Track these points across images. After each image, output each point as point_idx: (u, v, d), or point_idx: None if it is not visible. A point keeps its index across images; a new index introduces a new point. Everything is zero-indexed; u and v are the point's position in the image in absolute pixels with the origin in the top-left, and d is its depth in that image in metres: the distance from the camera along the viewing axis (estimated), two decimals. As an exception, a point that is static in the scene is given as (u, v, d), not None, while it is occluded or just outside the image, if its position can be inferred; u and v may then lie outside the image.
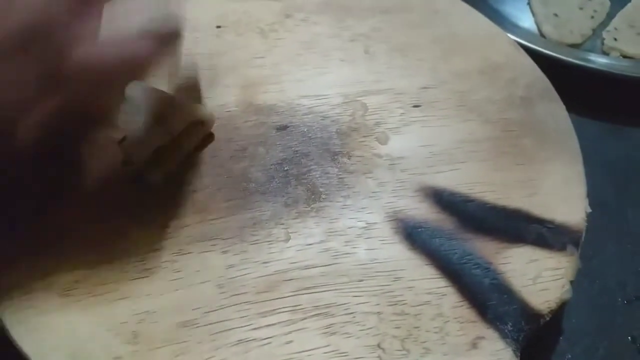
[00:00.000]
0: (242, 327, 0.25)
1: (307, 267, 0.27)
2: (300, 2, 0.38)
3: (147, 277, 0.26)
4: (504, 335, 0.26)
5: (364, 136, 0.32)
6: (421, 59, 0.36)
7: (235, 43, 0.36)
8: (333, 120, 0.33)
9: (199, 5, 0.37)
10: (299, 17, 0.37)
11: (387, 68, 0.35)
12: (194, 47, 0.35)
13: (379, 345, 0.25)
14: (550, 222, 0.29)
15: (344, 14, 0.37)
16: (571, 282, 0.28)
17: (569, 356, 0.31)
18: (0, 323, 0.25)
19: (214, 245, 0.27)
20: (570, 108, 0.35)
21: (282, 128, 0.32)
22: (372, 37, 0.36)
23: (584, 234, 0.29)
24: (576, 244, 0.29)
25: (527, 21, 0.47)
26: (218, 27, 0.36)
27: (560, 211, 0.30)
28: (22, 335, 0.24)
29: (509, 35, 0.38)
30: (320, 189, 0.30)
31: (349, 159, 0.31)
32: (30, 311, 0.25)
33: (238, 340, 0.25)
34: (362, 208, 0.29)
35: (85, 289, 0.26)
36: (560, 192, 0.31)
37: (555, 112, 0.34)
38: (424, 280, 0.27)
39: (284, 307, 0.26)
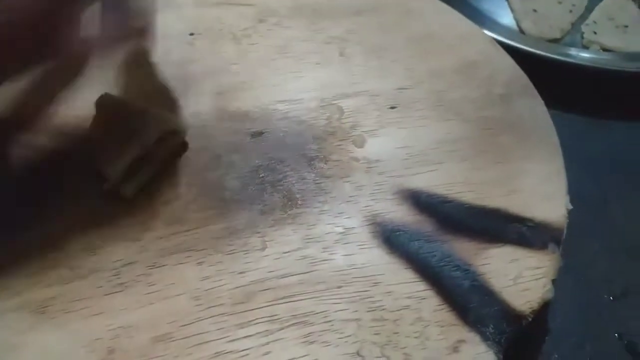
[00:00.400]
0: (219, 339, 0.25)
1: (284, 276, 0.27)
2: (273, 6, 0.37)
3: (121, 291, 0.26)
4: (485, 338, 0.25)
5: (341, 140, 0.32)
6: (396, 60, 0.35)
7: (208, 50, 0.35)
8: (309, 125, 0.32)
9: (172, 13, 0.37)
10: (272, 22, 0.37)
11: (362, 70, 0.35)
12: (167, 55, 0.34)
13: (358, 353, 0.25)
14: (530, 220, 0.29)
15: (317, 17, 0.37)
16: (553, 281, 0.27)
17: (556, 356, 0.30)
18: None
19: (189, 257, 0.27)
20: (550, 103, 0.34)
21: (257, 134, 0.32)
22: (346, 39, 0.36)
23: (565, 232, 0.29)
24: (557, 241, 0.28)
25: (506, 17, 0.47)
26: (191, 34, 0.36)
27: (540, 209, 0.29)
28: (-4, 357, 0.24)
29: (487, 32, 0.38)
30: (297, 195, 0.30)
31: (325, 163, 0.31)
32: (3, 332, 0.24)
33: (215, 353, 0.24)
34: (340, 213, 0.29)
35: (60, 305, 0.25)
36: (539, 189, 0.30)
37: (534, 108, 0.34)
38: (403, 284, 0.27)
39: (261, 318, 0.25)
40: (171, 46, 0.35)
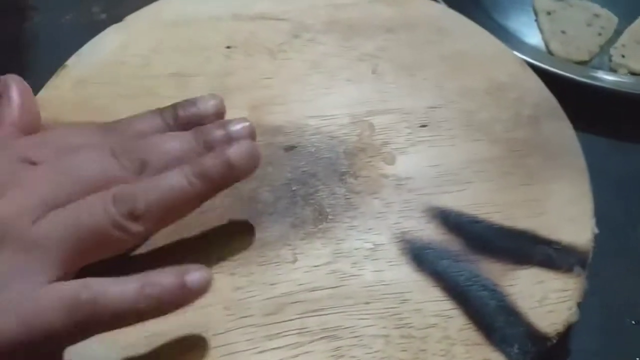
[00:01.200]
0: (248, 349, 0.25)
1: (314, 289, 0.27)
2: (308, 22, 0.38)
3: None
4: (509, 358, 0.26)
5: (371, 156, 0.32)
6: (427, 78, 0.36)
7: (244, 63, 0.36)
8: (340, 141, 0.33)
9: (210, 25, 0.38)
10: (306, 37, 0.37)
11: (394, 87, 0.35)
12: (204, 67, 0.35)
13: (385, 369, 0.25)
14: (557, 242, 0.29)
15: (350, 33, 0.38)
16: (578, 304, 0.28)
17: (577, 377, 0.31)
18: None
19: (222, 267, 0.28)
20: (577, 125, 0.35)
21: (290, 148, 0.32)
22: (378, 56, 0.37)
23: (591, 255, 0.29)
24: (583, 265, 0.29)
25: (534, 38, 0.47)
26: (228, 47, 0.37)
27: (567, 232, 0.30)
28: None
29: (516, 53, 0.39)
30: (327, 210, 0.30)
31: (355, 179, 0.31)
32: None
33: (246, 363, 0.25)
34: (369, 229, 0.30)
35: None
36: (566, 212, 0.31)
37: (561, 130, 0.34)
38: (431, 302, 0.27)
39: (291, 330, 0.26)
40: (208, 58, 0.36)
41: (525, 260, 0.29)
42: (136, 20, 0.38)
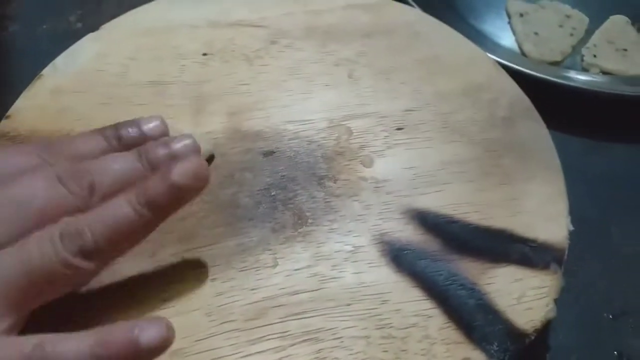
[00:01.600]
0: (231, 354, 0.26)
1: (295, 293, 0.28)
2: (285, 28, 0.38)
3: (135, 308, 0.27)
4: (490, 356, 0.26)
5: (349, 160, 0.33)
6: (404, 82, 0.36)
7: (221, 70, 0.36)
8: (319, 145, 0.33)
9: (186, 33, 0.38)
10: (284, 43, 0.38)
11: (371, 92, 0.36)
12: (180, 75, 0.36)
13: (367, 369, 0.25)
14: (533, 241, 0.30)
15: (327, 39, 0.38)
16: (555, 301, 0.28)
17: (556, 372, 0.31)
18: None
19: (202, 273, 0.28)
20: (551, 125, 0.35)
21: (269, 153, 0.33)
22: (355, 62, 0.37)
23: (566, 252, 0.30)
24: (559, 262, 0.29)
25: (508, 40, 0.48)
26: (204, 54, 0.37)
27: (542, 230, 0.30)
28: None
29: (490, 55, 0.39)
30: (307, 214, 0.30)
31: (334, 182, 0.32)
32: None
33: (229, 367, 0.25)
34: (349, 231, 0.30)
35: (76, 323, 0.26)
36: (542, 210, 0.31)
37: (536, 130, 0.35)
38: (411, 302, 0.27)
39: (273, 334, 0.26)
40: (185, 66, 0.36)
41: (502, 258, 0.29)
42: (112, 29, 0.38)
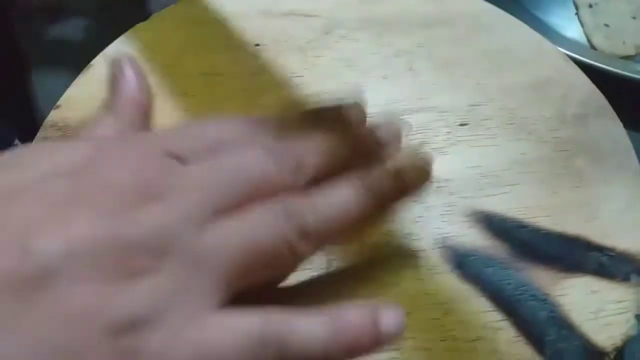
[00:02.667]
0: None
1: (350, 297, 0.26)
2: (340, 18, 0.37)
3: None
4: (564, 374, 0.24)
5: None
6: (467, 75, 0.34)
7: (274, 61, 0.35)
8: (375, 140, 0.31)
9: (237, 23, 0.36)
10: (339, 34, 0.36)
11: (431, 85, 0.34)
12: (232, 66, 0.34)
13: (429, 384, 0.24)
14: (611, 249, 0.27)
15: (385, 29, 0.36)
16: (637, 317, 0.26)
17: (632, 394, 0.29)
18: None
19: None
20: (626, 125, 0.33)
21: (323, 149, 0.31)
22: (415, 53, 0.35)
23: (648, 263, 0.27)
24: (640, 273, 0.27)
25: (575, 32, 0.45)
26: (257, 45, 0.35)
27: (621, 238, 0.28)
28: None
29: (558, 48, 0.37)
30: (364, 214, 0.29)
31: (393, 181, 0.30)
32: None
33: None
34: (408, 234, 0.28)
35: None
36: (620, 217, 0.29)
37: (611, 129, 0.32)
38: (477, 313, 0.25)
39: (327, 341, 0.25)
40: (237, 57, 0.35)
41: (577, 268, 0.27)
42: (164, 19, 0.37)
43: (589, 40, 0.44)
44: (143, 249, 0.18)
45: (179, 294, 0.18)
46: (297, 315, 0.19)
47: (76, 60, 0.35)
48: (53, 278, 0.16)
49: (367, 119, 0.25)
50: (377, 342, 0.19)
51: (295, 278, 0.23)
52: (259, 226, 0.20)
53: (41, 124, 0.31)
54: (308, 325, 0.19)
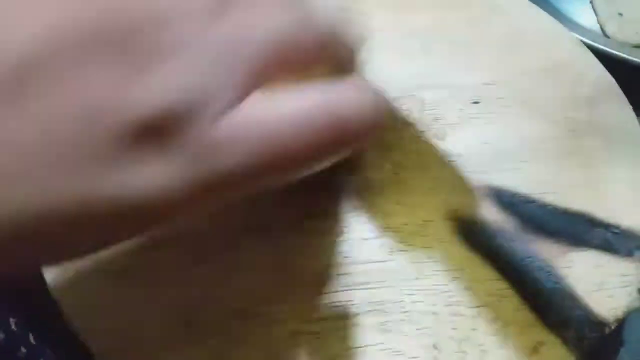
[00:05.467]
0: (294, 318, 0.25)
1: (360, 262, 0.27)
2: (358, -5, 0.37)
3: (204, 263, 0.26)
4: (566, 342, 0.25)
5: (421, 131, 0.31)
6: (481, 55, 0.35)
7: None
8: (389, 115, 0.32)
9: None
10: (354, 11, 0.36)
11: (445, 63, 0.34)
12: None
13: (434, 346, 0.24)
14: (616, 227, 0.28)
15: (400, 8, 0.37)
16: (639, 290, 0.26)
17: (630, 369, 0.29)
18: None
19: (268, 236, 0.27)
20: (635, 110, 0.33)
21: (338, 121, 0.31)
22: (430, 33, 0.36)
23: (652, 241, 0.28)
24: (644, 250, 0.27)
25: (588, 20, 0.45)
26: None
27: (626, 216, 0.29)
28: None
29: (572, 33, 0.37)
30: (375, 184, 0.29)
31: (404, 154, 0.30)
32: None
33: (291, 332, 0.24)
34: (418, 205, 0.29)
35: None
36: (625, 196, 0.29)
37: (621, 113, 0.33)
38: (483, 281, 0.26)
39: (337, 302, 0.25)
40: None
41: (582, 242, 0.28)
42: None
43: (602, 29, 0.44)
44: (166, 22, 0.15)
45: (210, 83, 0.15)
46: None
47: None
48: (57, 61, 0.14)
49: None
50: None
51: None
52: (281, 19, 0.17)
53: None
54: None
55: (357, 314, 0.25)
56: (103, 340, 0.24)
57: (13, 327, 0.23)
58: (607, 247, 0.27)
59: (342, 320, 0.25)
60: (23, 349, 0.23)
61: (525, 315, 0.25)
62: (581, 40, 0.37)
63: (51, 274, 0.25)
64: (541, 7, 0.39)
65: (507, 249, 0.27)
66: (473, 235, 0.27)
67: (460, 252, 0.27)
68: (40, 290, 0.25)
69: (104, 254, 0.26)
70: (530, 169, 0.30)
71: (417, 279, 0.26)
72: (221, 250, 0.26)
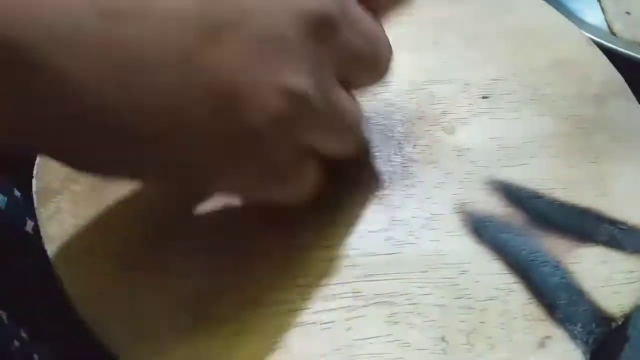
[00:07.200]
0: (302, 309, 0.25)
1: (368, 255, 0.27)
2: (368, -12, 0.37)
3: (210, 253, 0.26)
4: (573, 336, 0.25)
5: (430, 125, 0.31)
6: (491, 51, 0.35)
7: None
8: (398, 108, 0.32)
9: None
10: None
11: (455, 58, 0.34)
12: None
13: (442, 338, 0.24)
14: (623, 223, 0.28)
15: (410, 2, 0.37)
16: (646, 287, 0.26)
17: (634, 364, 0.30)
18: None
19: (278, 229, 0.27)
20: (642, 108, 0.33)
21: (346, 114, 0.32)
22: (440, 27, 0.36)
23: (658, 238, 0.28)
24: (650, 247, 0.28)
25: (596, 18, 0.45)
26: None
27: (633, 213, 0.29)
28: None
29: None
30: (384, 177, 0.29)
31: (413, 147, 0.31)
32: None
33: (300, 322, 0.25)
34: (427, 198, 0.29)
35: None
36: (633, 193, 0.30)
37: (629, 111, 0.33)
38: (492, 275, 0.26)
39: (345, 293, 0.26)
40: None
41: (588, 238, 0.28)
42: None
43: (609, 27, 0.44)
44: None
45: None
46: None
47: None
48: None
49: None
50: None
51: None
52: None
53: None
54: None
55: (365, 306, 0.25)
56: (112, 330, 0.24)
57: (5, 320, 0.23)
58: (614, 243, 0.28)
59: (351, 311, 0.25)
60: (16, 342, 0.23)
61: (532, 309, 0.25)
62: (590, 38, 0.37)
63: (59, 263, 0.25)
64: (550, 4, 0.39)
65: (515, 244, 0.27)
66: (481, 230, 0.28)
67: (469, 245, 0.27)
68: (42, 280, 0.25)
69: (113, 243, 0.26)
70: (539, 164, 0.30)
71: (425, 271, 0.26)
72: (232, 240, 0.26)
